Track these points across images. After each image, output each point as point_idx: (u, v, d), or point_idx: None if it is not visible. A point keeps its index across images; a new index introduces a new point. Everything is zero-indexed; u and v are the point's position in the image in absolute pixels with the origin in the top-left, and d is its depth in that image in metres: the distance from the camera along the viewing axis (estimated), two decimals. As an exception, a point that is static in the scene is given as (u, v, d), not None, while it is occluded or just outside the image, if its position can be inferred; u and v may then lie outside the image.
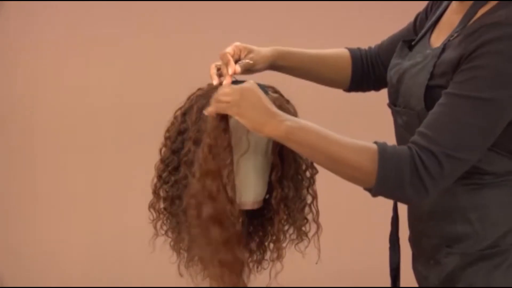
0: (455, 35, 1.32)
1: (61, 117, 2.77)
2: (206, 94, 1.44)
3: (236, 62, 1.44)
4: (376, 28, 2.67)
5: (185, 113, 1.43)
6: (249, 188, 1.43)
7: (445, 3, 1.47)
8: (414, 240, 1.49)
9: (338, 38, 2.65)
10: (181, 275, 1.53)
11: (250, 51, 1.50)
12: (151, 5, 2.72)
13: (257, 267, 1.58)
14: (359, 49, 1.68)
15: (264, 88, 1.44)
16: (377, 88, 1.69)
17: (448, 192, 1.35)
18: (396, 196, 1.29)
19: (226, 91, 1.32)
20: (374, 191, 1.26)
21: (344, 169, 1.26)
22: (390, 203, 1.51)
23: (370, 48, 1.69)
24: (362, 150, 1.24)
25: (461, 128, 1.23)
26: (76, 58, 2.75)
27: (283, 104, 1.40)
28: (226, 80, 1.38)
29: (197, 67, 2.48)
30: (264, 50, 1.53)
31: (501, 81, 1.22)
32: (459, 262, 1.36)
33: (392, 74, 1.45)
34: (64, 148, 2.79)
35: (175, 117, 1.45)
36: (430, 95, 1.31)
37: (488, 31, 1.24)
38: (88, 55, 2.74)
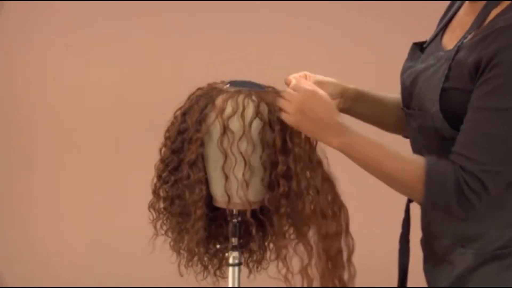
0: (469, 36, 1.30)
1: (61, 117, 2.77)
2: (206, 93, 1.44)
3: None
4: (377, 28, 2.68)
5: (185, 113, 1.43)
6: (249, 188, 1.43)
7: (456, 4, 1.46)
8: (426, 242, 1.49)
9: (338, 38, 2.65)
10: (181, 275, 1.53)
11: (310, 77, 1.46)
12: (151, 5, 2.72)
13: (257, 267, 1.58)
14: None
15: (264, 88, 1.44)
16: None
17: None
18: (445, 212, 1.33)
19: (288, 97, 1.34)
20: (426, 207, 1.32)
21: (395, 185, 1.31)
22: (397, 203, 1.52)
23: None
24: (410, 167, 1.29)
25: (493, 141, 1.24)
26: (76, 58, 2.75)
27: None
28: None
29: (197, 67, 2.49)
30: (335, 83, 1.50)
31: None
32: (472, 262, 1.36)
33: (405, 77, 1.44)
34: (63, 148, 2.79)
35: (175, 117, 1.45)
36: (445, 97, 1.30)
37: (503, 34, 1.22)
38: (87, 55, 2.74)
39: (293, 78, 1.39)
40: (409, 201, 1.50)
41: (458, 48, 1.31)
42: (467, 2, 1.40)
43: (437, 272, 1.44)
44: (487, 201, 1.28)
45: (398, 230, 1.55)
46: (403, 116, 1.49)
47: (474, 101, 1.26)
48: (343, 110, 1.54)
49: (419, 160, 1.29)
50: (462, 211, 1.28)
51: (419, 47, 1.47)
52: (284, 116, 1.35)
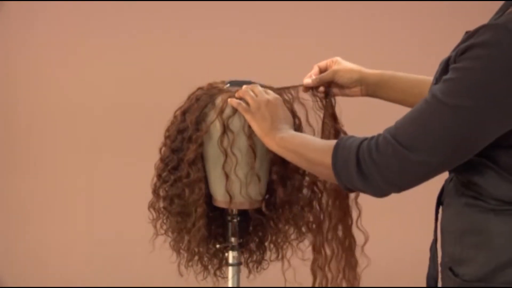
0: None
1: (61, 117, 2.77)
2: (206, 93, 1.44)
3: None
4: (380, 29, 2.68)
5: (185, 112, 1.44)
6: (249, 188, 1.43)
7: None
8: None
9: (339, 38, 2.65)
10: (181, 274, 1.53)
11: (336, 63, 1.49)
12: (151, 5, 2.71)
13: (257, 267, 1.58)
14: None
15: (263, 88, 1.44)
16: None
17: (455, 210, 1.27)
18: (352, 187, 1.25)
19: (256, 93, 1.39)
20: (338, 184, 1.26)
21: (316, 168, 1.29)
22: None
23: None
24: (329, 147, 1.26)
25: (424, 128, 1.15)
26: (76, 58, 2.75)
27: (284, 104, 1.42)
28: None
29: (197, 67, 2.49)
30: (353, 65, 1.51)
31: (476, 88, 1.12)
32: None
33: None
34: (63, 148, 2.79)
35: (175, 117, 1.45)
36: None
37: (484, 31, 1.13)
38: (87, 55, 2.74)
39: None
40: (438, 206, 1.44)
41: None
42: None
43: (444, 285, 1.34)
44: (395, 184, 1.19)
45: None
46: None
47: (431, 86, 1.20)
48: (368, 95, 1.53)
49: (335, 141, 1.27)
50: (362, 184, 1.20)
51: None
52: (243, 109, 1.38)
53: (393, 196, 1.26)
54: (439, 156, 1.16)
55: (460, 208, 1.26)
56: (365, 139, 1.21)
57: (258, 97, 1.39)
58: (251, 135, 1.39)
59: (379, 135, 1.20)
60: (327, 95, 1.49)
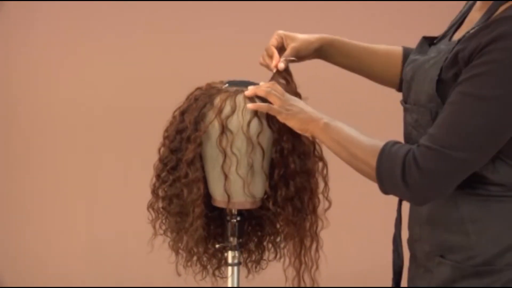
0: (472, 31, 1.26)
1: (60, 116, 2.77)
2: (204, 93, 1.44)
3: (280, 49, 1.50)
4: (378, 28, 2.68)
5: (183, 112, 1.43)
6: (250, 187, 1.43)
7: (470, 3, 1.42)
8: (410, 244, 1.46)
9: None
10: (179, 274, 1.53)
11: (293, 40, 1.51)
12: (151, 5, 2.72)
13: (256, 267, 1.58)
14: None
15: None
16: None
17: (450, 199, 1.31)
18: (395, 192, 1.29)
19: (279, 91, 1.40)
20: (379, 187, 1.30)
21: (357, 163, 1.32)
22: (392, 204, 1.51)
23: None
24: (374, 148, 1.29)
25: (460, 127, 1.20)
26: (76, 58, 2.75)
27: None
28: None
29: (196, 67, 2.50)
30: (310, 37, 1.53)
31: (508, 78, 1.17)
32: (450, 274, 1.31)
33: (407, 70, 1.41)
34: (63, 148, 2.79)
35: (174, 117, 1.45)
36: (441, 90, 1.27)
37: (502, 24, 1.19)
38: (87, 55, 2.74)
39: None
40: (401, 200, 1.47)
41: (459, 41, 1.27)
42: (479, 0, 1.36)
43: (418, 278, 1.40)
44: (438, 189, 1.25)
45: (392, 230, 1.53)
46: (395, 68, 1.54)
47: (457, 85, 1.23)
48: (326, 59, 1.57)
49: (381, 142, 1.30)
50: (408, 191, 1.24)
51: (428, 42, 1.44)
52: (276, 111, 1.38)
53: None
54: (483, 149, 1.22)
55: (457, 198, 1.30)
56: (410, 148, 1.25)
57: (284, 95, 1.40)
58: (249, 134, 1.39)
59: (418, 145, 1.24)
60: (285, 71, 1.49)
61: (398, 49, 1.58)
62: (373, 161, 1.28)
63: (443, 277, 1.32)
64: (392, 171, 1.25)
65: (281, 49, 1.50)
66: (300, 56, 1.51)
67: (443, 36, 1.43)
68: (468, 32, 1.28)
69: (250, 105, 1.39)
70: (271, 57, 1.49)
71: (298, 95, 1.46)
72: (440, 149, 1.21)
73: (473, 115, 1.19)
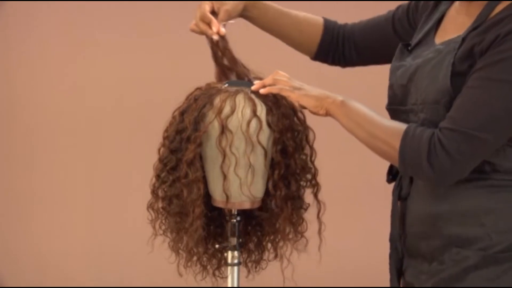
0: (481, 27, 1.30)
1: (60, 116, 2.78)
2: (204, 93, 1.44)
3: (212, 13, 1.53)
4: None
5: (183, 112, 1.44)
6: (250, 187, 1.43)
7: (443, 4, 1.45)
8: (407, 241, 1.45)
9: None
10: (180, 275, 1.53)
11: (223, 3, 1.53)
12: (151, 5, 2.72)
13: (256, 267, 1.58)
14: (335, 22, 1.69)
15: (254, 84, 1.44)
16: (342, 65, 1.69)
17: (461, 193, 1.34)
18: (416, 173, 1.32)
19: (283, 74, 1.42)
20: (399, 168, 1.32)
21: (377, 143, 1.34)
22: (387, 203, 1.51)
23: (346, 24, 1.69)
24: (397, 130, 1.32)
25: (483, 108, 1.25)
26: (76, 58, 2.75)
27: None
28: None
29: (196, 67, 2.49)
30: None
31: None
32: (471, 263, 1.33)
33: (398, 75, 1.43)
34: (63, 148, 2.79)
35: (174, 117, 1.45)
36: (454, 85, 1.30)
37: None
38: (87, 55, 2.75)
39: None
40: (397, 199, 1.47)
41: (464, 39, 1.31)
42: (458, 2, 1.40)
43: (418, 271, 1.40)
44: (461, 171, 1.28)
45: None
46: (314, 37, 1.62)
47: (475, 71, 1.27)
48: (249, 20, 1.60)
49: (403, 124, 1.33)
50: (431, 171, 1.28)
51: (406, 48, 1.47)
52: (289, 91, 1.40)
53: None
54: (504, 131, 1.27)
55: (468, 189, 1.33)
56: (434, 131, 1.29)
57: (291, 78, 1.42)
58: (249, 134, 1.39)
59: (440, 129, 1.28)
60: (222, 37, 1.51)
61: (319, 19, 1.66)
62: (396, 142, 1.31)
63: (461, 266, 1.34)
64: (418, 153, 1.28)
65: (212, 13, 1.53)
66: (230, 18, 1.55)
67: (421, 40, 1.45)
68: (472, 28, 1.31)
69: (262, 90, 1.41)
70: (207, 23, 1.51)
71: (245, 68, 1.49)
72: (464, 130, 1.25)
73: (496, 98, 1.25)
